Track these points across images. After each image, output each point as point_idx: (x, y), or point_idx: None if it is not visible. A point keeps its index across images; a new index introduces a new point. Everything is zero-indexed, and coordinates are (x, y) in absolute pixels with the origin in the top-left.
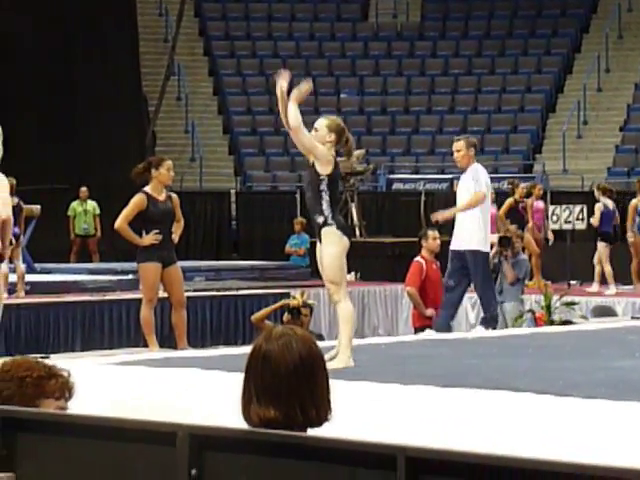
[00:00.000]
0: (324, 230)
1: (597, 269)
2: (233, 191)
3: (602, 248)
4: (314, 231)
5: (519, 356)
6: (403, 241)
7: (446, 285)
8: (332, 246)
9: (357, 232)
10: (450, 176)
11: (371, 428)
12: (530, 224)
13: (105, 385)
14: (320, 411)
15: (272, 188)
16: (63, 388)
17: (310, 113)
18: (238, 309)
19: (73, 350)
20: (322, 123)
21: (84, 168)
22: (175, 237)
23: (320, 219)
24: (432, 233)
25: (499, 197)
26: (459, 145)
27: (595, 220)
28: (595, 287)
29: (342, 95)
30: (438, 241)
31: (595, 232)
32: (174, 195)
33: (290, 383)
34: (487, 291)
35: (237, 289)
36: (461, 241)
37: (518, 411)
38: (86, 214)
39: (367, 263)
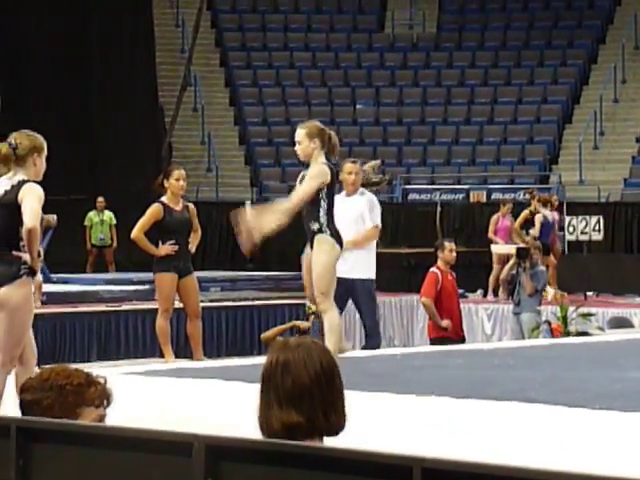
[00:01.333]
0: (318, 237)
1: None
2: (249, 202)
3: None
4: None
5: (536, 367)
6: (419, 252)
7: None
8: (325, 255)
9: None
10: (466, 187)
11: (386, 439)
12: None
13: (120, 396)
14: (340, 417)
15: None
16: (102, 395)
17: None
18: (254, 320)
19: (89, 360)
20: (301, 134)
21: (101, 179)
22: (192, 247)
23: (315, 226)
24: (449, 245)
25: (515, 208)
26: (356, 168)
27: (535, 231)
28: None
29: (358, 106)
30: (454, 253)
31: (612, 243)
32: (191, 205)
33: (312, 389)
34: (374, 319)
35: (253, 299)
36: (349, 269)
37: (535, 423)
38: (102, 224)
39: (383, 274)
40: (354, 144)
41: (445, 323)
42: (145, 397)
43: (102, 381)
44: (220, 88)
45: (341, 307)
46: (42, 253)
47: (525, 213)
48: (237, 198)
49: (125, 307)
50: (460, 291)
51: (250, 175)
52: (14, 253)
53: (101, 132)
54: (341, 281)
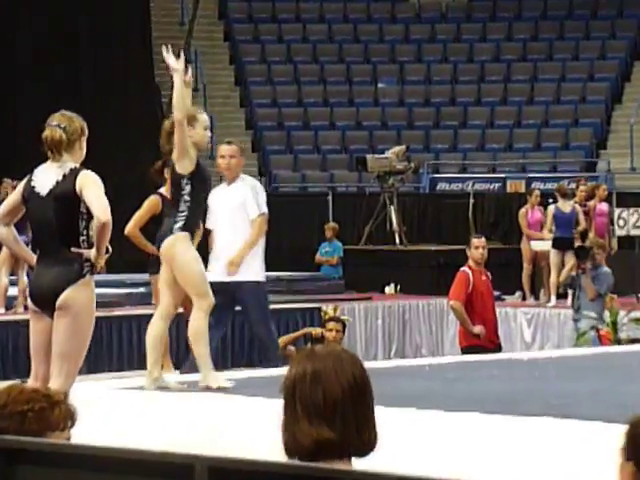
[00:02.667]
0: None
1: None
2: None
3: (553, 256)
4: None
5: (581, 379)
6: (449, 249)
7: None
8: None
9: (397, 239)
10: (503, 175)
11: (413, 459)
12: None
13: (114, 412)
14: (372, 435)
15: (301, 189)
16: (66, 417)
17: (344, 105)
18: None
19: (78, 373)
20: (234, 149)
21: (90, 167)
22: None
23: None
24: (476, 241)
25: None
26: (233, 150)
27: (548, 226)
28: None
29: (380, 85)
30: (482, 250)
31: None
32: None
33: (345, 403)
34: (266, 328)
35: None
36: (224, 271)
37: (579, 443)
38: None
39: (408, 274)
40: (375, 127)
41: (478, 330)
42: (140, 414)
43: (62, 397)
44: (224, 65)
45: (220, 319)
46: (110, 249)
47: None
48: None
49: (117, 313)
50: (496, 293)
51: (258, 163)
52: (73, 250)
53: (90, 115)
54: (223, 286)
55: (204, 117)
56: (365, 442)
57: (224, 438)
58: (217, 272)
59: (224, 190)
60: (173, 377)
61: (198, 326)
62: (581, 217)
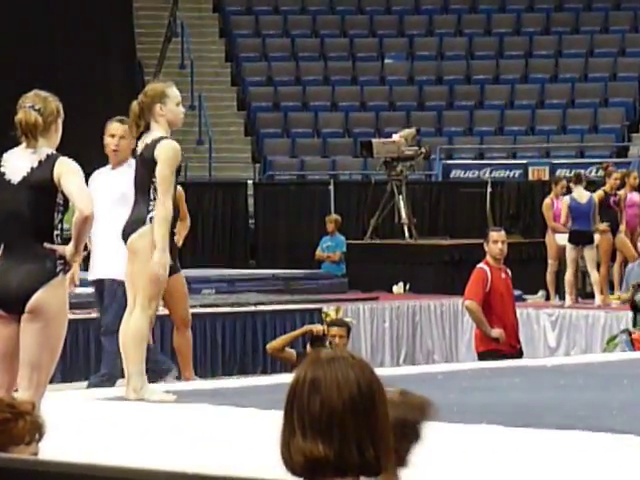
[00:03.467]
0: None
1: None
2: (250, 182)
3: (569, 251)
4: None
5: (611, 389)
6: (464, 243)
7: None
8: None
9: (406, 232)
10: (524, 161)
11: (425, 477)
12: (624, 223)
13: (92, 425)
14: (380, 454)
15: (299, 177)
16: (33, 429)
17: (347, 83)
18: (257, 329)
19: (51, 382)
20: (123, 129)
21: (65, 154)
22: (179, 239)
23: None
24: (494, 234)
25: (587, 188)
26: (125, 130)
27: (563, 219)
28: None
29: (387, 60)
30: (501, 245)
31: None
32: (178, 187)
33: (345, 416)
34: (113, 335)
35: (255, 304)
36: (100, 268)
37: (610, 458)
38: (67, 212)
39: (419, 271)
40: (382, 108)
41: (497, 333)
42: (121, 427)
43: (29, 407)
44: (213, 39)
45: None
46: (89, 246)
47: (599, 194)
48: (236, 177)
49: (95, 315)
50: (516, 293)
51: (252, 148)
52: (46, 246)
53: (66, 96)
54: (96, 285)
55: (175, 92)
56: (370, 462)
57: (211, 453)
58: (91, 272)
59: (107, 175)
60: (159, 387)
61: (142, 327)
62: (596, 211)
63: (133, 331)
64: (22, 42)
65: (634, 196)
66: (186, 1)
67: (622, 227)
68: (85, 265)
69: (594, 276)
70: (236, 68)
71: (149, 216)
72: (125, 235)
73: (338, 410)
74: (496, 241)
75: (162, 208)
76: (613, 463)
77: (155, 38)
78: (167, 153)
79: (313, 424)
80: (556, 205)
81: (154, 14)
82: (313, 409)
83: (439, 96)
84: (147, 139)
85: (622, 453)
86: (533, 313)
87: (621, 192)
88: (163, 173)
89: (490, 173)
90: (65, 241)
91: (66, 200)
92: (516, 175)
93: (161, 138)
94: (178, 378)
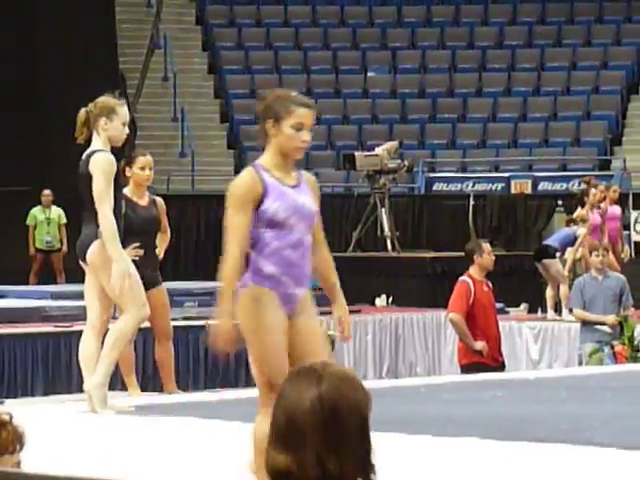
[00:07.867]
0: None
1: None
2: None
3: (555, 263)
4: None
5: (594, 402)
6: (447, 256)
7: None
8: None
9: (389, 245)
10: (507, 174)
11: None
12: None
13: (74, 439)
14: (345, 466)
15: None
16: (14, 439)
17: (330, 96)
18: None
19: (32, 395)
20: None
21: (47, 167)
22: (161, 252)
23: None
24: (487, 246)
25: (566, 201)
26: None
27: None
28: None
29: (369, 73)
30: (493, 256)
31: None
32: (159, 199)
33: (304, 427)
34: None
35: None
36: None
37: (593, 471)
38: (49, 224)
39: (402, 284)
40: (365, 121)
41: (480, 345)
42: (103, 440)
43: (7, 417)
44: (196, 51)
45: None
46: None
47: (580, 212)
48: (218, 190)
49: (78, 327)
50: (499, 305)
51: (234, 161)
52: None
53: (47, 108)
54: None
55: (124, 111)
56: (331, 474)
57: (195, 466)
58: None
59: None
60: (123, 399)
61: (126, 329)
62: (581, 236)
63: (119, 331)
64: (3, 58)
65: (615, 209)
66: (169, 13)
67: (604, 241)
68: (65, 277)
69: (549, 290)
70: (219, 80)
71: (99, 230)
72: (81, 254)
73: (298, 420)
74: (490, 252)
75: (104, 220)
76: (595, 476)
77: (138, 50)
78: (100, 166)
79: (279, 436)
80: (591, 217)
81: (137, 27)
82: (279, 420)
83: (422, 109)
84: (84, 154)
85: (604, 466)
86: (515, 326)
87: (602, 205)
88: (99, 187)
89: (473, 186)
90: (45, 252)
91: None
92: (499, 188)
93: (93, 152)
94: (160, 391)
